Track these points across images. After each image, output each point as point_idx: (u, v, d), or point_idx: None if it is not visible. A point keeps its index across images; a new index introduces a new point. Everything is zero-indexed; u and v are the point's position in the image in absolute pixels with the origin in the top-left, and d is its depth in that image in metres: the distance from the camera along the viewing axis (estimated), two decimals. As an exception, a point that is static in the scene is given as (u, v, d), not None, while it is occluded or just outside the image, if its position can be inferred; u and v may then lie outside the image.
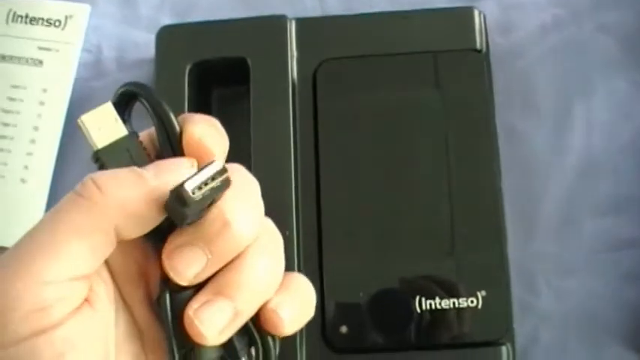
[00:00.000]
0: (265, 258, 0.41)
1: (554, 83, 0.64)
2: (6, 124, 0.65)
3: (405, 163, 0.59)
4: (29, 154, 0.64)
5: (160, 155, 0.41)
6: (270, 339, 0.42)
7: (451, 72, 0.60)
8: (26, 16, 0.67)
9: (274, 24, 0.62)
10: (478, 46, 0.61)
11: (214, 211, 0.39)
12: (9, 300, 0.36)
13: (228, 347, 0.41)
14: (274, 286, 0.42)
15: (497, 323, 0.56)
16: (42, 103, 0.65)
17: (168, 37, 0.62)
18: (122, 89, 0.42)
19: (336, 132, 0.60)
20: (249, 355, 0.42)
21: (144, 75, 0.64)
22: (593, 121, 0.63)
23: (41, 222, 0.38)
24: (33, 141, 0.65)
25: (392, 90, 0.60)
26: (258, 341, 0.42)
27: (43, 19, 0.67)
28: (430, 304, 0.56)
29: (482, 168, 0.58)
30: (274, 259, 0.42)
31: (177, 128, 0.41)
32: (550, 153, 0.62)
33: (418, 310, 0.56)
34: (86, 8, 0.68)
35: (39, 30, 0.67)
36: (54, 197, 0.64)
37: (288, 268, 0.43)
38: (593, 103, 0.63)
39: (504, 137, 0.61)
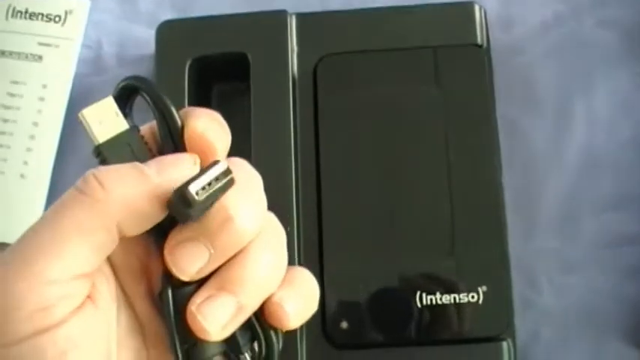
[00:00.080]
0: (268, 252, 0.41)
1: (555, 79, 0.64)
2: (5, 120, 0.65)
3: (405, 158, 0.59)
4: (29, 149, 0.64)
5: (162, 149, 0.41)
6: (272, 334, 0.42)
7: (452, 67, 0.60)
8: (26, 12, 0.67)
9: (274, 19, 0.62)
10: (479, 41, 0.61)
11: (217, 206, 0.39)
12: (12, 299, 0.36)
13: (230, 342, 0.41)
14: (277, 281, 0.41)
15: (498, 319, 0.56)
16: (42, 99, 0.65)
17: (169, 32, 0.62)
18: (123, 83, 0.42)
19: (337, 127, 0.60)
20: (251, 349, 0.42)
21: (144, 70, 0.64)
22: (594, 116, 0.63)
23: (43, 219, 0.38)
24: (33, 137, 0.64)
25: (392, 85, 0.60)
26: (261, 336, 0.42)
27: (42, 14, 0.67)
28: (431, 300, 0.56)
29: (483, 163, 0.58)
30: (277, 253, 0.42)
31: (179, 122, 0.40)
32: (551, 149, 0.62)
33: (419, 305, 0.56)
34: (86, 3, 0.68)
35: (39, 25, 0.67)
36: (54, 193, 0.64)
37: (289, 263, 0.43)
38: (594, 99, 0.63)
39: (505, 133, 0.61)
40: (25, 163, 0.64)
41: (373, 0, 0.65)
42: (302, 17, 0.62)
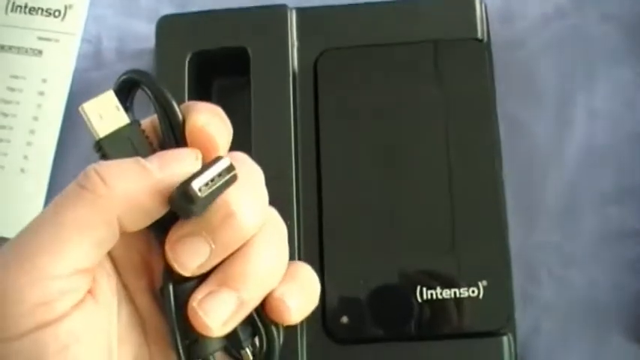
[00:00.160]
0: (270, 248, 0.41)
1: (556, 73, 0.63)
2: (5, 115, 0.65)
3: (405, 153, 0.59)
4: (29, 144, 0.64)
5: (163, 143, 0.41)
6: (274, 328, 0.42)
7: (452, 61, 0.60)
8: (25, 6, 0.67)
9: (275, 13, 0.62)
10: (479, 35, 0.61)
11: (218, 201, 0.39)
12: (13, 294, 0.36)
13: (231, 338, 0.41)
14: (279, 276, 0.41)
15: (498, 313, 0.56)
16: (41, 94, 0.65)
17: (168, 27, 0.62)
18: (124, 77, 0.41)
19: (337, 122, 0.60)
20: (252, 345, 0.42)
21: (144, 65, 0.64)
22: (596, 110, 0.63)
23: (44, 214, 0.38)
24: (32, 131, 0.64)
25: (392, 79, 0.60)
26: (262, 331, 0.41)
27: (42, 9, 0.67)
28: (431, 295, 0.56)
29: (484, 158, 0.58)
30: (279, 248, 0.41)
31: (180, 117, 0.40)
32: (551, 143, 0.62)
33: (419, 300, 0.56)
34: (85, -2, 0.68)
35: (38, 20, 0.67)
36: (54, 187, 0.64)
37: (289, 258, 0.43)
38: (595, 93, 0.63)
39: (506, 127, 0.61)
40: (25, 157, 0.64)
41: (374, -6, 0.65)
42: (302, 11, 0.62)
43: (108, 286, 0.40)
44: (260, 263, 0.40)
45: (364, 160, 0.59)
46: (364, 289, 0.56)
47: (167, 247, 0.39)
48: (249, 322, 0.41)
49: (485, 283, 0.55)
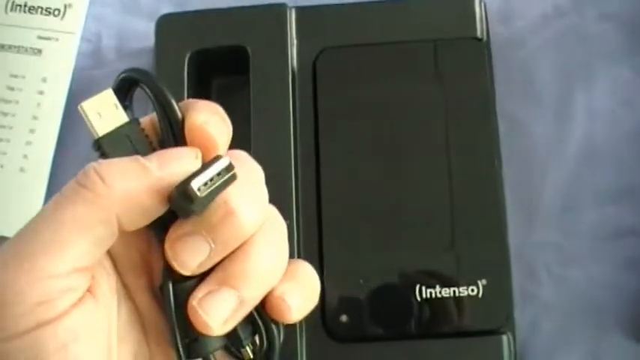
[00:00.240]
0: (270, 246, 0.40)
1: (556, 72, 0.64)
2: (5, 114, 0.65)
3: (405, 151, 0.59)
4: (28, 143, 0.64)
5: (162, 142, 0.41)
6: (274, 327, 0.42)
7: (451, 60, 0.60)
8: (25, 5, 0.67)
9: (274, 12, 0.62)
10: (479, 34, 0.61)
11: (218, 200, 0.38)
12: (13, 293, 0.36)
13: (231, 336, 0.41)
14: (279, 274, 0.41)
15: (497, 312, 0.56)
16: (41, 93, 0.65)
17: (168, 25, 0.62)
18: (122, 75, 0.41)
19: (336, 121, 0.60)
20: (253, 343, 0.42)
21: (143, 64, 0.64)
22: (595, 109, 0.63)
23: (43, 213, 0.38)
24: (32, 130, 0.64)
25: (392, 78, 0.60)
26: (263, 329, 0.41)
27: (42, 7, 0.67)
28: (430, 293, 0.56)
29: (483, 157, 0.58)
30: (279, 246, 0.41)
31: (179, 115, 0.40)
32: (551, 142, 0.62)
33: (418, 298, 0.56)
34: (85, -4, 0.68)
35: (38, 19, 0.67)
36: (53, 186, 0.64)
37: (289, 257, 0.43)
38: (594, 92, 0.63)
39: (505, 126, 0.61)
40: (25, 156, 0.64)
41: (373, -7, 0.65)
42: (301, 10, 0.62)
43: (107, 285, 0.40)
44: (260, 262, 0.40)
45: (363, 158, 0.59)
46: (363, 287, 0.56)
47: (167, 246, 0.39)
48: (249, 320, 0.41)
49: (484, 281, 0.56)
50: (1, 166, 0.64)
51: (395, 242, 0.57)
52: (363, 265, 0.57)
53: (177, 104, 0.40)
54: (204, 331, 0.39)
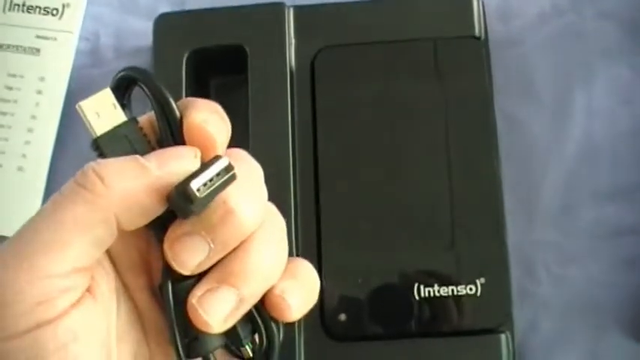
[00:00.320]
0: (269, 244, 0.40)
1: (554, 70, 0.64)
2: (3, 113, 0.65)
3: (403, 150, 0.59)
4: (27, 142, 0.64)
5: (161, 141, 0.41)
6: (273, 325, 0.41)
7: (450, 59, 0.60)
8: (23, 5, 0.67)
9: (272, 11, 0.62)
10: (477, 33, 0.61)
11: (217, 199, 0.38)
12: (12, 293, 0.36)
13: (231, 335, 0.41)
14: (279, 272, 0.41)
15: (496, 311, 0.56)
16: (39, 92, 0.65)
17: (166, 24, 0.62)
18: (120, 74, 0.41)
19: (335, 119, 0.60)
20: (252, 342, 0.42)
21: (142, 63, 0.64)
22: (593, 108, 0.63)
23: (42, 213, 0.38)
24: (31, 130, 0.64)
25: (390, 77, 0.60)
26: (262, 328, 0.41)
27: (40, 7, 0.67)
28: (429, 292, 0.56)
29: (482, 156, 0.58)
30: (278, 245, 0.41)
31: (178, 114, 0.40)
32: (549, 140, 0.62)
33: (417, 297, 0.56)
34: (83, -4, 0.68)
35: (36, 18, 0.67)
36: (52, 186, 0.64)
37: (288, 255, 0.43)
38: (592, 90, 0.63)
39: (503, 124, 0.61)
40: (23, 155, 0.64)
41: (370, -8, 0.65)
42: (299, 9, 0.62)
43: (107, 284, 0.40)
44: (259, 260, 0.40)
45: (362, 157, 0.59)
46: (362, 286, 0.56)
47: (166, 246, 0.39)
48: (248, 319, 0.41)
49: (483, 280, 0.56)
50: (0, 166, 0.64)
51: (393, 241, 0.57)
52: (361, 264, 0.57)
53: (176, 103, 0.40)
54: (203, 329, 0.39)
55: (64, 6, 0.67)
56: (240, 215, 0.39)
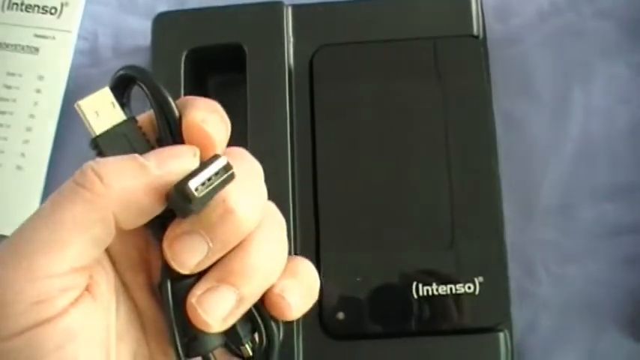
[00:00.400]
0: (269, 243, 0.40)
1: (552, 69, 0.64)
2: (2, 112, 0.65)
3: (402, 149, 0.59)
4: (25, 141, 0.64)
5: (160, 140, 0.41)
6: (273, 324, 0.42)
7: (448, 58, 0.60)
8: (22, 4, 0.67)
9: (271, 10, 0.62)
10: (475, 31, 0.61)
11: (216, 198, 0.38)
12: (10, 293, 0.36)
13: (230, 334, 0.41)
14: (278, 271, 0.41)
15: (494, 309, 0.56)
16: (38, 91, 0.65)
17: (165, 23, 0.62)
18: (119, 73, 0.41)
19: (333, 118, 0.60)
20: (252, 340, 0.42)
21: (140, 62, 0.63)
22: (592, 106, 0.63)
23: (40, 212, 0.38)
24: (29, 129, 0.64)
25: (388, 76, 0.60)
26: (262, 327, 0.41)
27: (38, 6, 0.67)
28: (427, 291, 0.56)
29: (480, 154, 0.58)
30: (278, 243, 0.41)
31: (177, 113, 0.40)
32: (548, 139, 0.62)
33: (415, 296, 0.56)
34: (81, -5, 0.68)
35: (35, 17, 0.67)
36: (50, 185, 0.64)
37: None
38: (591, 89, 0.63)
39: (502, 123, 0.61)
40: (22, 154, 0.64)
41: (369, -9, 0.65)
42: (298, 8, 0.62)
43: (106, 283, 0.40)
44: (259, 259, 0.40)
45: (360, 155, 0.59)
46: (360, 285, 0.56)
47: (165, 246, 0.39)
48: (248, 317, 0.41)
49: (481, 279, 0.56)
50: (-1, 165, 0.64)
51: (392, 240, 0.57)
52: (359, 263, 0.57)
53: (175, 102, 0.40)
54: (203, 328, 0.39)
55: (62, 5, 0.67)
56: (240, 214, 0.39)
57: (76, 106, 0.40)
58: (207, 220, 0.38)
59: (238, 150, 0.41)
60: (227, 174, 0.38)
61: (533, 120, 0.63)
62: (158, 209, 0.39)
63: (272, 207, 0.42)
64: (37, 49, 0.66)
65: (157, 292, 0.41)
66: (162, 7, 0.66)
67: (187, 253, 0.39)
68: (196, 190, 0.37)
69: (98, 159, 0.39)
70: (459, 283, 0.56)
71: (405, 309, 0.56)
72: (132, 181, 0.37)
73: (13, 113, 0.65)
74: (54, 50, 0.66)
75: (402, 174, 0.58)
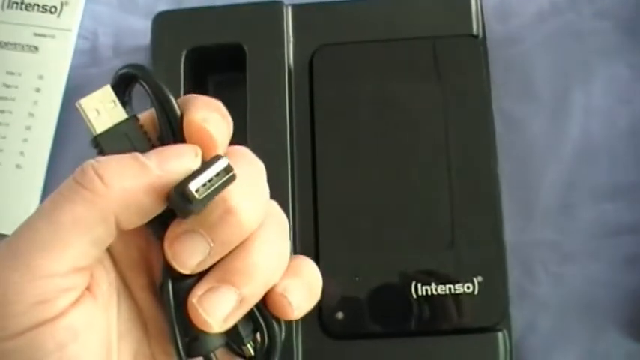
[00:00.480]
0: (270, 243, 0.40)
1: (552, 69, 0.64)
2: (2, 111, 0.65)
3: (401, 149, 0.59)
4: (25, 140, 0.64)
5: (162, 138, 0.40)
6: (275, 324, 0.41)
7: (448, 58, 0.60)
8: (22, 3, 0.67)
9: (270, 10, 0.62)
10: (475, 31, 0.61)
11: (217, 198, 0.38)
12: (10, 293, 0.36)
13: (232, 334, 0.41)
14: (280, 271, 0.41)
15: (493, 309, 0.56)
16: (38, 90, 0.65)
17: (165, 23, 0.62)
18: (121, 71, 0.41)
19: (333, 118, 0.60)
20: (254, 340, 0.42)
21: (140, 61, 0.61)
22: (592, 107, 0.63)
23: (41, 212, 0.38)
24: (29, 128, 0.64)
25: (388, 76, 0.60)
26: (264, 327, 0.41)
27: (38, 5, 0.67)
28: (426, 290, 0.56)
29: (480, 154, 0.58)
30: (280, 243, 0.41)
31: (178, 112, 0.40)
32: (547, 139, 0.62)
33: (414, 295, 0.56)
34: (81, -6, 0.68)
35: (35, 16, 0.67)
36: (50, 184, 0.64)
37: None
38: (591, 89, 0.63)
39: (502, 124, 0.61)
40: (22, 153, 0.64)
41: (369, -9, 0.65)
42: (298, 8, 0.62)
43: (107, 283, 0.40)
44: (260, 259, 0.39)
45: (359, 155, 0.59)
46: (359, 284, 0.56)
47: (166, 245, 0.39)
48: (250, 317, 0.41)
49: (480, 278, 0.56)
50: (-2, 164, 0.64)
51: (391, 239, 0.57)
52: (358, 262, 0.57)
53: (176, 100, 0.40)
54: (204, 328, 0.39)
55: (62, 4, 0.67)
56: (241, 214, 0.38)
57: (77, 104, 0.40)
58: (208, 219, 0.38)
59: (240, 149, 0.41)
60: (228, 176, 0.38)
61: (533, 120, 0.63)
62: (158, 209, 0.38)
63: (274, 206, 0.42)
64: (36, 48, 0.66)
65: (158, 291, 0.41)
66: (162, 7, 0.65)
67: (188, 253, 0.39)
68: (197, 191, 0.37)
69: (99, 158, 0.38)
70: (458, 282, 0.56)
71: (404, 309, 0.56)
72: (132, 181, 0.37)
73: (12, 112, 0.65)
74: (54, 49, 0.66)
75: (401, 174, 0.58)
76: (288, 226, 0.42)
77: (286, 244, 0.42)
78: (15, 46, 0.66)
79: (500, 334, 0.55)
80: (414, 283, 0.56)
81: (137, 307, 0.42)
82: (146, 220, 0.39)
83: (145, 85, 0.40)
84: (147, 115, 0.41)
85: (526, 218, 0.61)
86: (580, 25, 0.64)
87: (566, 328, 0.59)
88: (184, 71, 0.60)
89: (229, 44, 0.61)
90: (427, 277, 0.56)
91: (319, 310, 0.56)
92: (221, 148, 0.40)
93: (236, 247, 0.39)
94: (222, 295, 0.39)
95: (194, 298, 0.39)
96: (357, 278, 0.56)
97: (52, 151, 0.64)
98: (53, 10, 0.67)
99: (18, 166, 0.64)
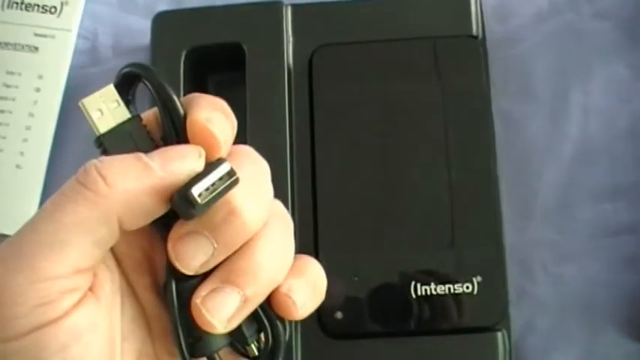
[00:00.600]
0: (274, 243, 0.40)
1: (551, 69, 0.64)
2: (1, 111, 0.65)
3: (401, 149, 0.59)
4: (25, 140, 0.64)
5: (165, 138, 0.40)
6: (279, 324, 0.41)
7: (447, 58, 0.60)
8: (22, 2, 0.67)
9: (270, 10, 0.62)
10: (474, 32, 0.61)
11: (220, 199, 0.38)
12: (12, 295, 0.36)
13: (236, 334, 0.40)
14: (284, 271, 0.41)
15: (492, 309, 0.56)
16: (38, 90, 0.65)
17: (164, 23, 0.62)
18: (124, 70, 0.41)
19: (332, 118, 0.60)
20: (258, 340, 0.41)
21: (140, 61, 0.63)
22: (591, 107, 0.63)
23: (43, 213, 0.37)
24: (29, 127, 0.64)
25: (387, 76, 0.60)
26: (268, 327, 0.41)
27: (38, 5, 0.67)
28: (426, 290, 0.56)
29: (479, 154, 0.58)
30: (284, 243, 0.41)
31: (181, 111, 0.39)
32: (546, 139, 0.62)
33: (413, 295, 0.56)
34: (81, -6, 0.68)
35: (34, 16, 0.67)
36: (50, 184, 0.63)
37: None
38: (590, 89, 0.63)
39: (501, 123, 0.61)
40: (22, 153, 0.64)
41: (368, -9, 0.65)
42: (297, 8, 0.62)
43: (110, 283, 0.40)
44: (265, 259, 0.39)
45: (359, 155, 0.59)
46: (359, 284, 0.56)
47: (169, 246, 0.39)
48: (254, 317, 0.41)
49: (479, 279, 0.56)
50: (-2, 164, 0.64)
51: (390, 239, 0.57)
52: (358, 262, 0.57)
53: (180, 99, 0.40)
54: (207, 329, 0.39)
55: (62, 4, 0.67)
56: (244, 215, 0.38)
57: (79, 104, 0.39)
58: (212, 221, 0.38)
59: (244, 148, 0.41)
60: (231, 180, 0.38)
61: (532, 120, 0.63)
62: (161, 210, 0.38)
63: (278, 205, 0.42)
64: (36, 48, 0.66)
65: (161, 292, 0.41)
66: (162, 7, 0.66)
67: (191, 255, 0.38)
68: (200, 195, 0.37)
69: (102, 158, 0.38)
70: (458, 282, 0.56)
71: (404, 308, 0.56)
72: (136, 182, 0.37)
73: (12, 112, 0.65)
74: (54, 49, 0.66)
75: (400, 174, 0.58)
76: (292, 225, 0.42)
77: (290, 243, 0.41)
78: (15, 46, 0.66)
79: (499, 334, 0.56)
80: (413, 283, 0.56)
81: (141, 307, 0.41)
82: (149, 221, 0.39)
83: (148, 84, 0.40)
84: (150, 115, 0.41)
85: (525, 218, 0.61)
86: (579, 25, 0.64)
87: (565, 328, 0.59)
88: (184, 71, 0.60)
89: (229, 44, 0.61)
90: (426, 277, 0.56)
91: (318, 309, 0.56)
92: (225, 148, 0.40)
93: (240, 247, 0.39)
94: (226, 296, 0.39)
95: (198, 299, 0.39)
96: (356, 278, 0.56)
97: (52, 151, 0.64)
98: (53, 10, 0.67)
99: (18, 166, 0.64)
